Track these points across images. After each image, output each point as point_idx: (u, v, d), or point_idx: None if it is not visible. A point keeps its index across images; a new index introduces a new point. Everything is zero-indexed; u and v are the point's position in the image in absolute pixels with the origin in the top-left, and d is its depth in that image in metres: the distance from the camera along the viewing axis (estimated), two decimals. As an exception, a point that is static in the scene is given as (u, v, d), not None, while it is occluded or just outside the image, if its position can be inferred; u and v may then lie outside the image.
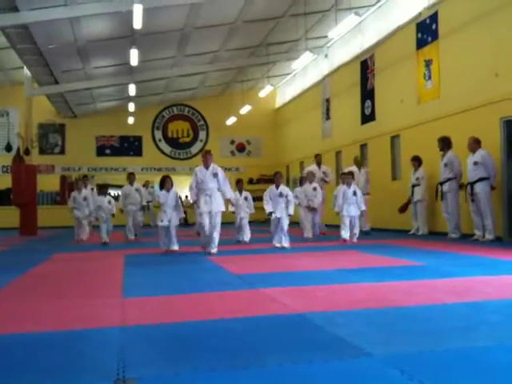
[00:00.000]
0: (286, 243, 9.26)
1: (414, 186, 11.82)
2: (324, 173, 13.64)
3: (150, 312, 4.10)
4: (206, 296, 4.72)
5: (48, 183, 21.10)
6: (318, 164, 13.82)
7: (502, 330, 3.25)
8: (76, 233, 12.07)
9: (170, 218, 8.90)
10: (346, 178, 10.72)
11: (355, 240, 10.20)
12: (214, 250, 8.55)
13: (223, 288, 5.13)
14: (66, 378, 2.60)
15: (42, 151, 22.31)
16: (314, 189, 11.60)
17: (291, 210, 9.38)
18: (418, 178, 11.78)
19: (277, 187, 9.55)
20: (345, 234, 10.15)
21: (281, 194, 9.40)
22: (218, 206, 8.66)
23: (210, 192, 8.61)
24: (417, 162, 11.80)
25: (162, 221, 8.91)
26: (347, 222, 10.20)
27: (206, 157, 8.83)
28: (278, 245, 9.30)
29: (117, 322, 3.76)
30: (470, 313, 3.81)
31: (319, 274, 6.04)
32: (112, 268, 7.14)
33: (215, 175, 8.67)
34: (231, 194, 9.34)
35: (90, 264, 7.86)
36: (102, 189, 12.00)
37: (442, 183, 10.58)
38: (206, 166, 8.74)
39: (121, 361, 2.78)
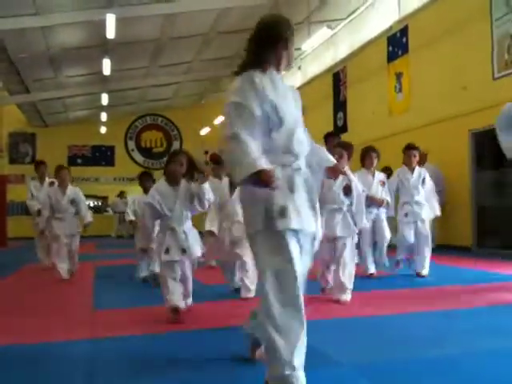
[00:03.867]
0: (346, 294, 4.70)
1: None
2: None
3: (120, 324, 4.06)
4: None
5: (18, 193, 20.68)
6: None
7: (469, 339, 3.31)
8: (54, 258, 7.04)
9: (181, 244, 4.24)
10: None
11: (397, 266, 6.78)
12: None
13: (193, 299, 5.09)
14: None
15: (12, 161, 21.92)
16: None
17: (361, 221, 4.82)
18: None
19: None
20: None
21: (347, 191, 4.71)
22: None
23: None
24: (387, 172, 11.96)
25: (167, 251, 4.22)
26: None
27: None
28: (330, 293, 4.97)
29: (86, 334, 3.71)
30: (440, 321, 3.87)
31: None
32: (83, 280, 7.03)
33: None
34: None
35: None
36: (147, 180, 6.73)
37: None
38: None
39: (89, 374, 2.75)
